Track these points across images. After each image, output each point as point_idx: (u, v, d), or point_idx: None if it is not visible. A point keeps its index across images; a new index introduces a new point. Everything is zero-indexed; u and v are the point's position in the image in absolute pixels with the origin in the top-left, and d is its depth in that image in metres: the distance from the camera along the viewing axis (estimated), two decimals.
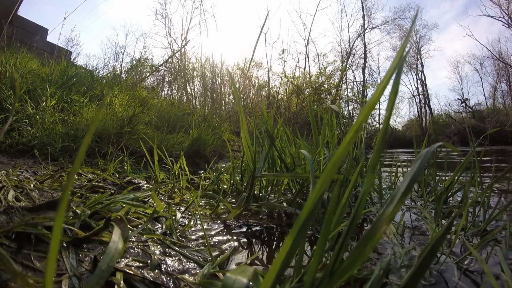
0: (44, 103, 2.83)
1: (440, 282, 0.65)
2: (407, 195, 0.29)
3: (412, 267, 0.55)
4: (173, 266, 0.66)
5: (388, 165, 2.54)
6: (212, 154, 4.40)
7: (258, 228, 1.08)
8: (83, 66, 6.21)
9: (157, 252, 0.71)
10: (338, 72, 23.27)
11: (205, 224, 1.08)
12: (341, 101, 22.55)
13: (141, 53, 25.04)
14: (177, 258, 0.71)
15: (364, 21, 28.07)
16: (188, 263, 0.69)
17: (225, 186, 1.70)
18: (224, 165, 3.12)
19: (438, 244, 0.30)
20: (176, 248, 0.75)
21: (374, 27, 28.77)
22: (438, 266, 0.71)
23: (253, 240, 0.95)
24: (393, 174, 2.05)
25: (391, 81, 0.32)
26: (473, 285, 0.64)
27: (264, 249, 0.89)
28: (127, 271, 0.55)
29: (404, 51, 0.31)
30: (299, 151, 1.44)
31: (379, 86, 0.31)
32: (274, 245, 0.92)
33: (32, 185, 1.06)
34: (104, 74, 5.62)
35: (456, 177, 1.32)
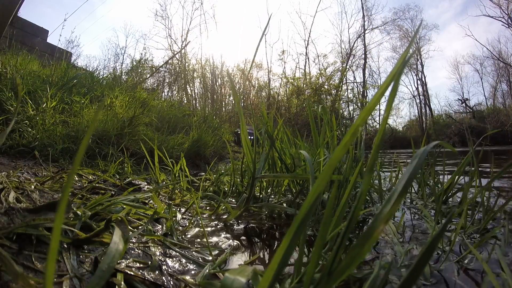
0: (45, 104, 2.84)
1: (440, 282, 0.65)
2: (405, 194, 0.30)
3: (411, 265, 0.56)
4: (174, 267, 0.66)
5: (388, 169, 2.53)
6: (212, 155, 4.40)
7: (258, 228, 1.08)
8: (84, 67, 6.22)
9: (157, 253, 0.71)
10: (338, 73, 23.32)
11: (206, 225, 1.08)
12: (341, 102, 22.56)
13: (141, 54, 25.14)
14: (177, 259, 0.71)
15: (364, 22, 28.16)
16: (188, 264, 0.69)
17: (225, 187, 1.71)
18: (224, 166, 3.13)
19: (437, 241, 0.30)
20: (177, 249, 0.75)
21: (374, 28, 28.85)
22: (438, 265, 0.72)
23: (254, 241, 0.95)
24: (393, 175, 2.05)
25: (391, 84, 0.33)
26: (474, 284, 0.64)
27: (264, 249, 0.89)
28: (128, 272, 0.55)
29: (402, 61, 0.31)
30: (299, 152, 1.44)
31: (376, 94, 0.31)
32: (274, 245, 0.93)
33: (32, 187, 1.06)
34: (104, 76, 5.63)
35: (455, 178, 1.32)
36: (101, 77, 5.30)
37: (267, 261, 0.80)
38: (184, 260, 0.71)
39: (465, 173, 1.31)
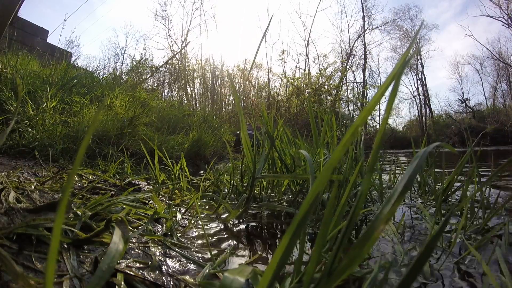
0: (45, 104, 2.84)
1: (440, 281, 0.65)
2: (405, 194, 0.30)
3: (410, 265, 0.56)
4: (174, 267, 0.66)
5: (388, 165, 2.54)
6: (212, 155, 4.40)
7: (258, 228, 1.08)
8: (84, 67, 6.23)
9: (157, 253, 0.71)
10: (338, 73, 23.33)
11: (206, 225, 1.08)
12: (341, 102, 22.56)
13: (141, 54, 25.16)
14: (177, 259, 0.71)
15: (364, 22, 28.17)
16: (188, 264, 0.69)
17: (225, 187, 1.71)
18: (224, 166, 3.13)
19: (435, 240, 0.30)
20: (177, 249, 0.75)
21: (374, 28, 28.86)
22: (438, 265, 0.72)
23: (254, 241, 0.95)
24: (392, 174, 2.05)
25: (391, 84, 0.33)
26: (473, 284, 0.64)
27: (265, 249, 0.89)
28: (128, 272, 0.55)
29: (401, 64, 0.31)
30: (299, 151, 1.44)
31: (376, 94, 0.31)
32: (275, 245, 0.92)
33: (33, 187, 1.06)
34: (104, 76, 5.64)
35: (454, 177, 1.32)
36: (101, 77, 5.32)
37: (267, 261, 0.80)
38: (184, 260, 0.71)
39: (466, 166, 1.30)
